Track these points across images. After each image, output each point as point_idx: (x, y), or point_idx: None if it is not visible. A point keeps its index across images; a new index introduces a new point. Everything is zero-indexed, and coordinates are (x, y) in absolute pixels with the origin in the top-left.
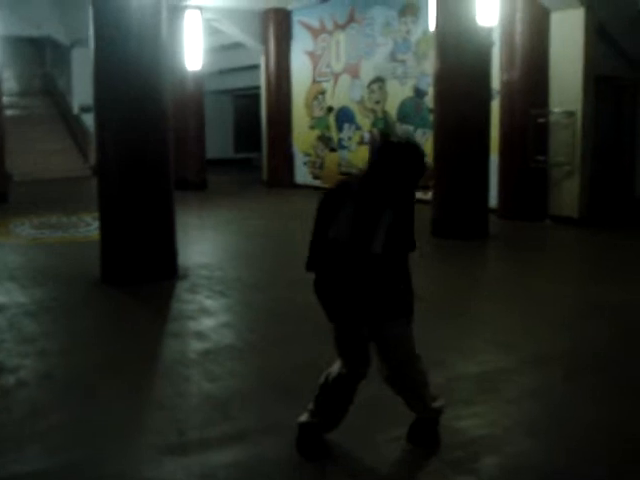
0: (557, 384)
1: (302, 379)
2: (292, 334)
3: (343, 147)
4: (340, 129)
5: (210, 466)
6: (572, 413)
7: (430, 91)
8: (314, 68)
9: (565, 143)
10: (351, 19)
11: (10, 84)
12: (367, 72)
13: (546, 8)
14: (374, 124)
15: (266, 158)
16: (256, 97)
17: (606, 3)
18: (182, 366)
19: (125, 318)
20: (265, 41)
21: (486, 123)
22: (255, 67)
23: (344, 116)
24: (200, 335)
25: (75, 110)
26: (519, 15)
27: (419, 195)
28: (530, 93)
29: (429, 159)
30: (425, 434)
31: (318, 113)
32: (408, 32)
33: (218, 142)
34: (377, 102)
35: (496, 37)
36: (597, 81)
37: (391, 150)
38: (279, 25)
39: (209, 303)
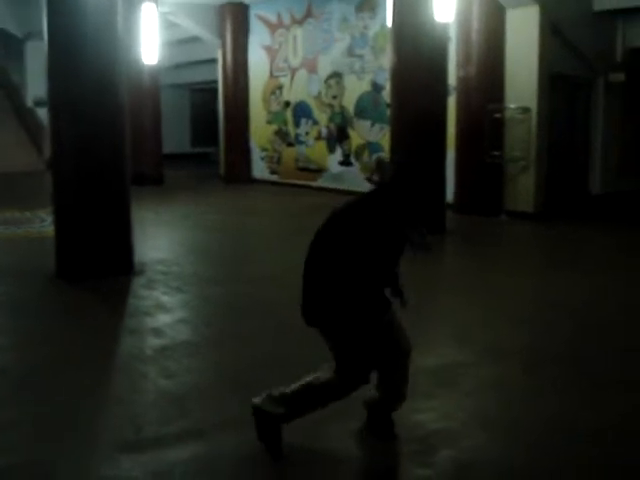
0: (516, 377)
1: (260, 374)
2: (249, 329)
3: (300, 142)
4: (297, 124)
5: (167, 462)
6: (531, 407)
7: (387, 86)
8: (271, 63)
9: (521, 139)
10: (308, 14)
11: None
12: (324, 67)
13: (501, 5)
14: (331, 119)
15: (223, 153)
16: (213, 91)
17: (560, 2)
18: (139, 362)
19: (81, 314)
20: (222, 35)
21: (443, 117)
22: (212, 61)
23: (301, 111)
24: (157, 331)
25: (29, 104)
26: (475, 12)
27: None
28: (486, 89)
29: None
30: (383, 425)
31: (275, 108)
32: (365, 27)
33: (175, 136)
34: (334, 97)
35: (452, 33)
36: (552, 78)
37: (412, 172)
38: (236, 19)
39: (166, 299)
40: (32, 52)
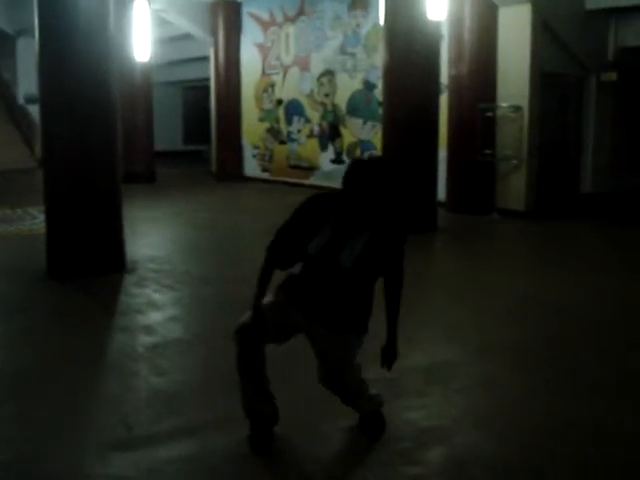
0: (507, 375)
1: None
2: None
3: (292, 140)
4: (289, 122)
5: (159, 461)
6: (523, 404)
7: (380, 84)
8: (264, 60)
9: (512, 137)
10: (301, 12)
11: None
12: (317, 65)
13: (494, 4)
14: (323, 117)
15: (215, 150)
16: (205, 89)
17: (553, 0)
18: (130, 360)
19: (72, 312)
20: (214, 33)
21: (435, 116)
22: (204, 59)
23: (293, 109)
24: (148, 329)
25: (20, 101)
26: (467, 10)
27: None
28: (478, 88)
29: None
30: (374, 424)
31: (267, 106)
32: (358, 25)
33: (167, 134)
34: (327, 95)
35: (445, 32)
36: (544, 77)
37: (359, 169)
38: (228, 17)
39: (157, 297)
40: (24, 49)
